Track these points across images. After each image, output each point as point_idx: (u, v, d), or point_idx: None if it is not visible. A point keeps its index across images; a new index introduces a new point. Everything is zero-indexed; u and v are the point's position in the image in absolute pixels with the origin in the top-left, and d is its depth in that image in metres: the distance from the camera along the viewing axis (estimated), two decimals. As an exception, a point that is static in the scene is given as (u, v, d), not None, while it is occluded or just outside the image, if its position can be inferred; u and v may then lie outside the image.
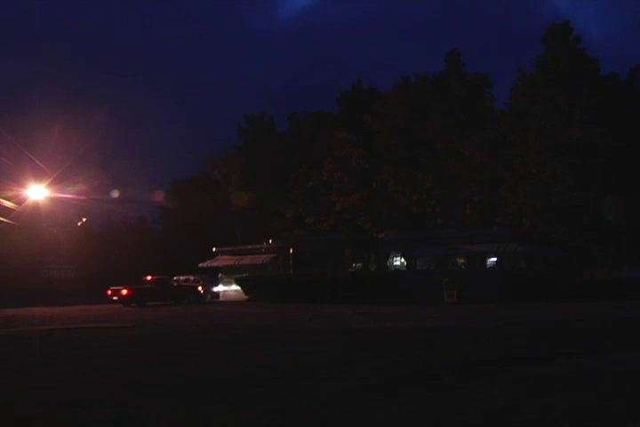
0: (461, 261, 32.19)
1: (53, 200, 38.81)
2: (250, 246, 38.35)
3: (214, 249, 39.07)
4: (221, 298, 35.64)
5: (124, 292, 29.00)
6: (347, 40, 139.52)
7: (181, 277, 35.54)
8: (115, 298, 29.42)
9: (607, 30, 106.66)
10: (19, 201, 34.56)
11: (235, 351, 10.01)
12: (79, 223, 49.59)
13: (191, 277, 36.28)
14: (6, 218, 36.86)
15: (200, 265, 39.02)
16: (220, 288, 37.15)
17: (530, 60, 41.84)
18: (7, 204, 34.24)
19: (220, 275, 37.81)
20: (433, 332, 13.11)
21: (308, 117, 56.95)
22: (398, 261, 33.64)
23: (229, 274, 36.75)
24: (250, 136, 58.91)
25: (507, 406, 5.33)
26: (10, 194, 33.81)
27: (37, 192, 34.87)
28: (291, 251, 33.56)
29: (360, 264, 33.74)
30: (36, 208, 38.24)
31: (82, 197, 42.96)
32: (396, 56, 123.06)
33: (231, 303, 31.27)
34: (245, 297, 33.81)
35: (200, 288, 33.31)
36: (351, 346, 10.66)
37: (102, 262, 57.29)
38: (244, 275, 35.14)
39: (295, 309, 23.79)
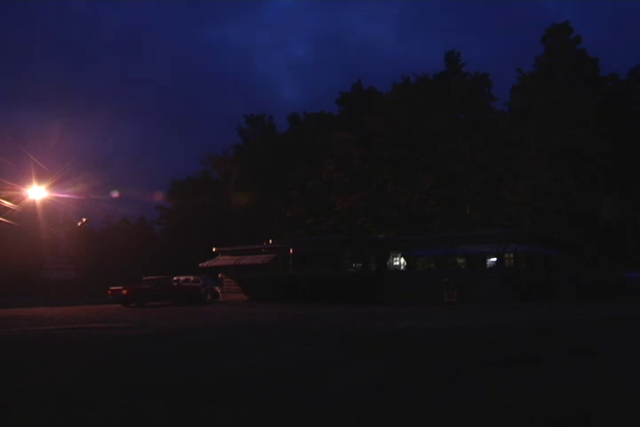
0: (461, 261, 32.16)
1: (53, 200, 38.81)
2: (250, 246, 38.36)
3: (214, 249, 39.08)
4: (221, 298, 35.64)
5: (124, 292, 29.00)
6: (347, 39, 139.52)
7: (181, 278, 35.55)
8: (115, 298, 29.41)
9: (607, 30, 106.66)
10: (19, 201, 34.56)
11: (235, 351, 10.01)
12: (79, 223, 49.62)
13: (191, 277, 36.29)
14: (6, 218, 36.86)
15: (200, 265, 39.03)
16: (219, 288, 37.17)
17: (530, 60, 41.97)
18: (7, 204, 34.24)
19: (219, 275, 37.82)
20: (433, 332, 13.11)
21: (308, 118, 56.98)
22: (398, 261, 33.62)
23: (229, 274, 36.76)
24: (250, 136, 58.96)
25: (507, 406, 5.33)
26: (10, 194, 33.81)
27: (37, 192, 34.86)
28: (291, 251, 33.54)
29: (360, 264, 33.73)
30: (35, 208, 38.25)
31: (81, 197, 43.01)
32: (396, 56, 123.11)
33: (231, 303, 31.27)
34: (245, 297, 33.83)
35: (200, 288, 33.32)
36: (351, 346, 10.65)
37: (102, 262, 57.37)
38: (244, 275, 35.14)
39: (295, 309, 23.80)
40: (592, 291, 29.18)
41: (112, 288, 30.08)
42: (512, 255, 29.71)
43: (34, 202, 36.39)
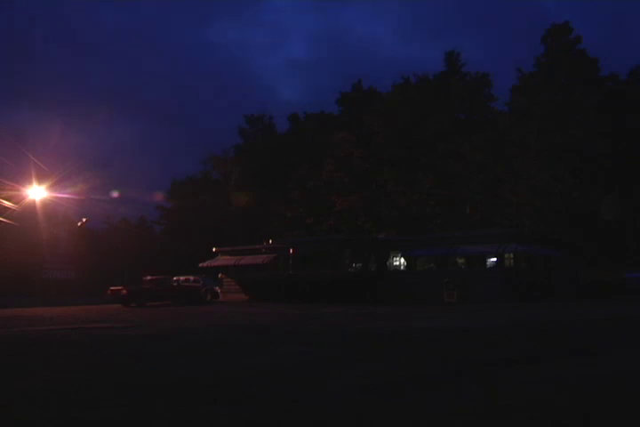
0: (461, 261, 32.16)
1: (53, 200, 38.80)
2: (250, 246, 38.36)
3: (214, 249, 39.08)
4: (221, 298, 35.64)
5: (124, 292, 28.99)
6: (347, 39, 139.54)
7: (181, 278, 35.55)
8: (115, 298, 29.40)
9: (607, 30, 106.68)
10: (19, 201, 34.55)
11: (235, 351, 10.01)
12: (79, 223, 49.61)
13: (191, 277, 36.28)
14: (6, 218, 36.85)
15: (200, 265, 39.04)
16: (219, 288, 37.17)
17: (530, 60, 41.97)
18: (7, 204, 34.23)
19: (219, 275, 37.82)
20: (433, 332, 13.11)
21: (308, 118, 56.97)
22: (398, 261, 33.62)
23: (229, 274, 36.76)
24: (250, 136, 58.95)
25: (507, 406, 5.33)
26: (10, 194, 33.81)
27: (37, 192, 34.84)
28: (291, 251, 33.55)
29: (360, 264, 33.73)
30: (35, 208, 38.25)
31: (81, 197, 43.01)
32: (396, 56, 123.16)
33: (231, 303, 31.28)
34: (245, 297, 33.84)
35: (200, 288, 33.32)
36: (351, 346, 10.65)
37: (102, 262, 57.37)
38: (244, 275, 35.13)
39: (295, 309, 23.80)
40: (592, 291, 29.17)
41: (112, 288, 30.07)
42: (512, 255, 29.71)
43: (34, 202, 36.36)
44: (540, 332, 12.85)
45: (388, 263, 33.49)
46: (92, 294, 40.64)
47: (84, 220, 50.10)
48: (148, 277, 32.57)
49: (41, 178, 34.90)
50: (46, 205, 39.58)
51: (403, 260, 33.32)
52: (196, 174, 64.20)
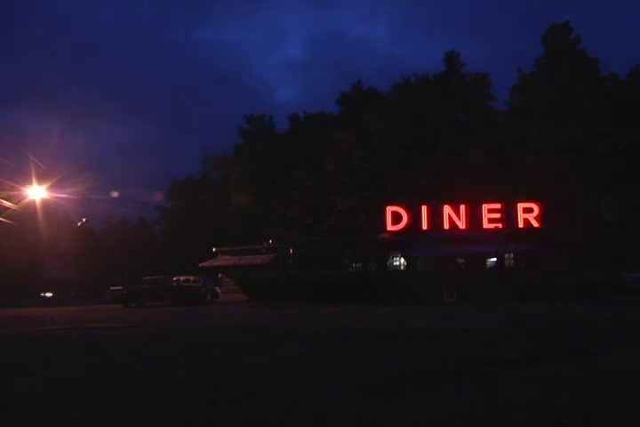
0: (461, 261, 32.17)
1: (53, 200, 38.78)
2: (250, 246, 38.35)
3: (214, 249, 39.07)
4: (221, 298, 35.65)
5: (124, 292, 29.01)
6: (347, 39, 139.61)
7: (181, 278, 35.56)
8: (115, 298, 29.43)
9: (607, 30, 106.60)
10: (19, 201, 34.54)
11: (235, 351, 10.01)
12: (79, 223, 49.63)
13: (191, 277, 36.29)
14: (6, 218, 36.84)
15: (200, 265, 39.03)
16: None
17: (530, 60, 41.92)
18: (7, 204, 34.22)
19: (219, 275, 37.81)
20: (433, 332, 13.11)
21: (308, 118, 56.91)
22: (398, 261, 33.62)
23: (229, 274, 36.76)
24: (250, 136, 58.87)
25: (507, 406, 5.33)
26: (10, 194, 33.78)
27: (37, 192, 34.81)
28: (291, 251, 33.56)
29: (360, 264, 33.73)
30: (35, 208, 38.23)
31: (81, 197, 42.99)
32: (396, 56, 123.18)
33: (231, 303, 31.29)
34: (245, 297, 33.85)
35: (200, 288, 33.34)
36: (351, 347, 10.65)
37: (102, 262, 57.39)
38: (244, 275, 35.14)
39: (295, 309, 23.80)
40: (592, 291, 29.13)
41: (112, 288, 30.12)
42: (512, 255, 29.72)
43: (34, 202, 36.33)
44: (540, 332, 12.84)
45: (387, 263, 33.49)
46: (92, 294, 40.71)
47: (84, 220, 50.10)
48: (148, 278, 32.58)
49: (41, 178, 34.84)
50: (46, 205, 39.55)
51: (403, 260, 33.31)
52: (196, 174, 64.15)
